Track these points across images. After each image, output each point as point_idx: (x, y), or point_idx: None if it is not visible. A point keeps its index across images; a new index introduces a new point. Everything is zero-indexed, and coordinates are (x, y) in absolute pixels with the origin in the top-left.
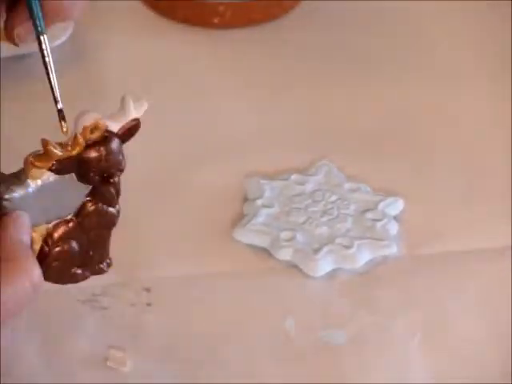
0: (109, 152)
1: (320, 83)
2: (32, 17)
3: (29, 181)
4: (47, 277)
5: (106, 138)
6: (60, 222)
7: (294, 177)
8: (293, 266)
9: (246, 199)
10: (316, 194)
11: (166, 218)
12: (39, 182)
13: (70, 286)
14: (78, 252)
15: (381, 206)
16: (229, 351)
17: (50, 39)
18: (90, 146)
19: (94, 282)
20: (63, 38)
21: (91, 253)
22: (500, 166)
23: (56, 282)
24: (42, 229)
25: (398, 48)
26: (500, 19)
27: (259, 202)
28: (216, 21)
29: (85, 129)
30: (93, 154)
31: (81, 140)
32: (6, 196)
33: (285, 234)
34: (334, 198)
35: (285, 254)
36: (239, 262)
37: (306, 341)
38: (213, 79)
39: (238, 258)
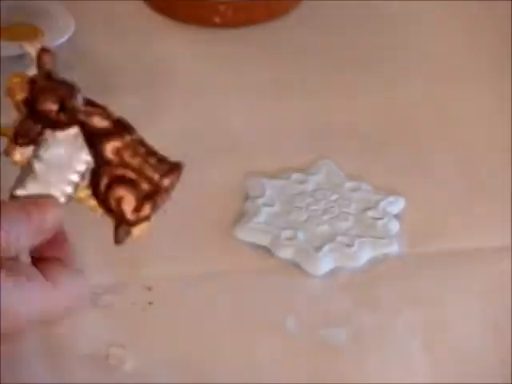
0: (40, 88)
1: (320, 82)
2: None
3: (35, 166)
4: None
5: (31, 83)
6: (91, 176)
7: (294, 176)
8: (294, 265)
9: (247, 198)
10: (317, 192)
11: (166, 216)
12: (44, 159)
13: None
14: (134, 186)
15: (382, 204)
16: (229, 349)
17: (51, 39)
18: (28, 102)
19: (95, 280)
20: (64, 38)
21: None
22: (500, 166)
23: (150, 214)
24: (81, 189)
25: (398, 48)
26: (500, 19)
27: (260, 200)
28: (217, 20)
29: (11, 90)
30: (33, 102)
31: (21, 107)
32: (18, 192)
33: (286, 233)
34: (334, 196)
35: (286, 253)
36: (240, 261)
37: (307, 339)
38: (213, 78)
39: (239, 256)
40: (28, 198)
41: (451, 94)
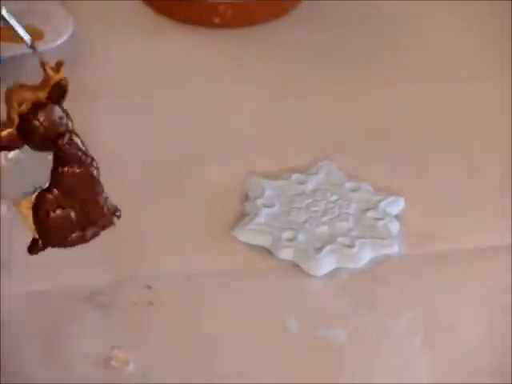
0: (43, 119)
1: (320, 83)
2: None
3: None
4: (50, 243)
5: (35, 107)
6: (41, 193)
7: (294, 176)
8: (294, 266)
9: (246, 198)
10: (317, 193)
11: (166, 216)
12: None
13: (70, 284)
14: (73, 216)
15: (382, 205)
16: (229, 350)
17: (51, 39)
18: (23, 118)
19: (94, 280)
20: (63, 38)
21: (88, 212)
22: (500, 166)
23: (61, 246)
24: (28, 201)
25: (398, 48)
26: (500, 19)
27: (260, 201)
28: (216, 21)
29: (12, 105)
30: (28, 124)
31: (13, 116)
32: None
33: (286, 234)
34: (334, 197)
35: (286, 254)
36: (240, 262)
37: (307, 340)
38: (213, 79)
39: (239, 257)
40: None
41: (451, 94)
